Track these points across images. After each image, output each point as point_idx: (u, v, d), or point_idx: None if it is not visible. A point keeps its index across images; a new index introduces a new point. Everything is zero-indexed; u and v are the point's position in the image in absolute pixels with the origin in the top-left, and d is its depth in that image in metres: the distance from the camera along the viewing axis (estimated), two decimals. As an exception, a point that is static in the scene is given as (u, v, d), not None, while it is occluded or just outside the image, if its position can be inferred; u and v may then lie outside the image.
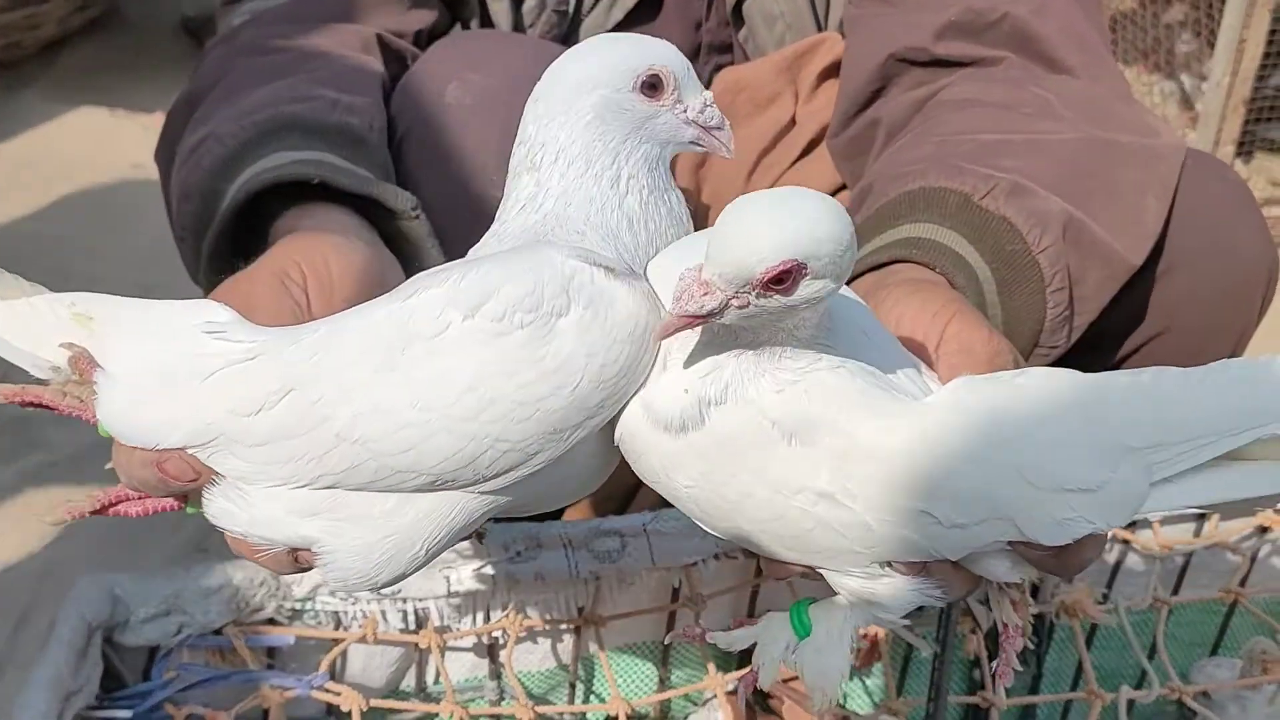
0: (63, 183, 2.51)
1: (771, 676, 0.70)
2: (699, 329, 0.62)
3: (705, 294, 0.58)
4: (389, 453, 0.62)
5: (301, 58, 1.07)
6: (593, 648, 1.09)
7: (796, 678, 1.18)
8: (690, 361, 0.63)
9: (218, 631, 1.02)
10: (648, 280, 0.66)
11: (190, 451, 0.64)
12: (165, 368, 0.64)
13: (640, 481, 1.22)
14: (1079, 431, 0.61)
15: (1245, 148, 2.61)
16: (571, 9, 1.24)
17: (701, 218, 1.12)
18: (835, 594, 0.69)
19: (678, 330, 0.60)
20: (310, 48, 1.08)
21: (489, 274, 0.62)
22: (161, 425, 0.64)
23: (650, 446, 0.64)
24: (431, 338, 0.62)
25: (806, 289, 0.59)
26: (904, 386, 0.66)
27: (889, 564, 0.65)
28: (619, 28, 1.23)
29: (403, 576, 0.67)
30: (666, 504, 1.21)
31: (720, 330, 0.61)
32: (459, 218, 1.00)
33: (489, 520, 0.72)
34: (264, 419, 0.62)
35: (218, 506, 0.65)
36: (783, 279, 0.57)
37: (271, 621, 1.04)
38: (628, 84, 0.67)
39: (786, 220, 0.57)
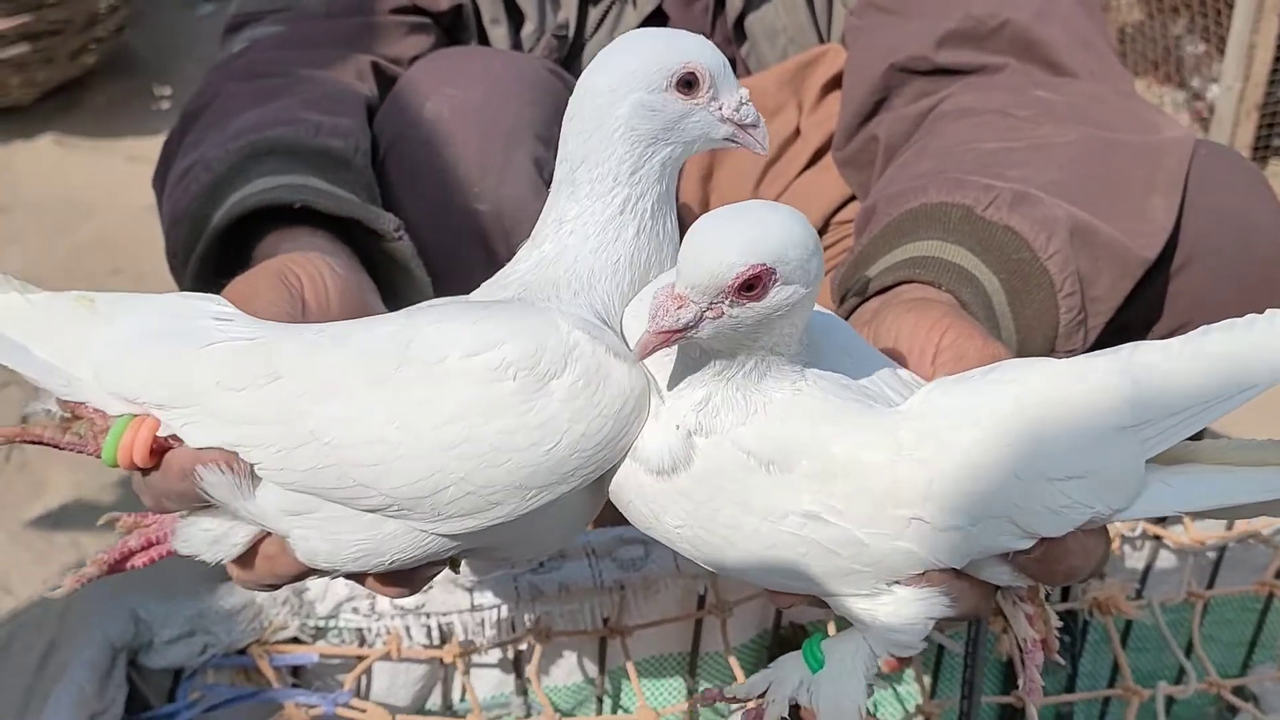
0: (79, 226, 2.54)
1: (779, 713, 0.69)
2: (680, 355, 0.63)
3: (680, 307, 0.59)
4: (354, 463, 0.62)
5: (289, 82, 1.08)
6: (619, 659, 1.08)
7: None
8: (677, 396, 0.63)
9: (242, 651, 1.02)
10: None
11: (162, 414, 0.64)
12: (164, 332, 0.65)
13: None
14: (1060, 418, 0.60)
15: (1259, 153, 2.60)
16: (571, 33, 1.25)
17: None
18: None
19: (656, 347, 0.60)
20: (299, 73, 1.10)
21: (498, 326, 0.63)
22: (147, 380, 0.64)
23: (634, 492, 0.65)
24: (426, 366, 0.62)
25: (778, 295, 0.59)
26: (889, 400, 0.65)
27: (894, 583, 0.64)
28: None
29: (368, 573, 0.67)
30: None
31: (701, 359, 0.62)
32: (441, 232, 1.01)
33: (464, 558, 0.72)
34: (245, 398, 0.62)
35: (214, 485, 0.64)
36: (753, 285, 0.58)
37: (295, 640, 1.03)
38: (661, 83, 0.66)
39: (751, 228, 0.58)
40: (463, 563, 1.02)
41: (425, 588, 0.86)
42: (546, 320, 0.63)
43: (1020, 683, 0.70)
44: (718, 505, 0.62)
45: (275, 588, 0.70)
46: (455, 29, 1.26)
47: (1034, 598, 0.69)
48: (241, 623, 1.01)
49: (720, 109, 0.68)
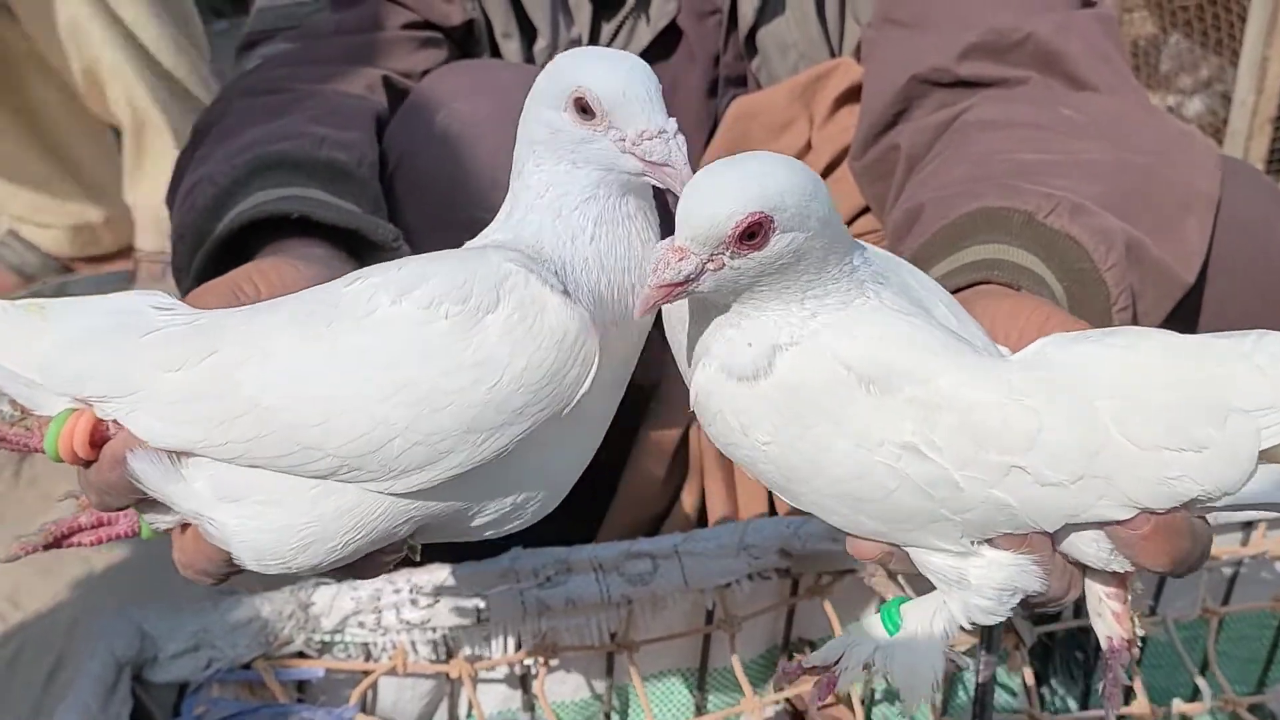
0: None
1: (852, 679, 0.67)
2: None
3: (680, 259, 0.58)
4: (297, 424, 0.60)
5: (297, 98, 1.08)
6: (626, 675, 1.07)
7: (836, 703, 1.16)
8: (747, 321, 0.62)
9: (247, 666, 1.01)
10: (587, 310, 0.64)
11: (106, 406, 0.63)
12: (106, 326, 0.64)
13: (669, 507, 1.22)
14: (1179, 389, 0.58)
15: (1274, 165, 2.59)
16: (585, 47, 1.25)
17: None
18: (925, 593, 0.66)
19: (658, 302, 0.60)
20: (308, 88, 1.10)
21: (424, 265, 0.62)
22: (85, 372, 0.63)
23: (725, 401, 0.62)
24: (358, 317, 0.61)
25: (778, 243, 0.58)
26: (985, 350, 0.63)
27: (984, 543, 0.62)
28: None
29: (319, 568, 0.65)
30: (698, 526, 1.21)
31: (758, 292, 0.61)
32: (451, 245, 1.01)
33: (420, 541, 0.70)
34: (183, 375, 0.62)
35: (143, 471, 0.63)
36: (754, 233, 0.58)
37: (301, 654, 1.03)
38: (560, 103, 0.65)
39: (748, 177, 0.58)
40: (470, 568, 1.02)
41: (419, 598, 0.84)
42: (474, 254, 0.62)
43: (1101, 687, 0.68)
44: (810, 422, 0.60)
45: (217, 579, 0.69)
46: (467, 43, 1.26)
47: (1122, 595, 0.66)
48: (247, 637, 1.01)
49: (622, 140, 0.64)
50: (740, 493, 1.19)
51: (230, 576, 0.69)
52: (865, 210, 1.26)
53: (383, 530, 0.64)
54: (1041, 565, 0.62)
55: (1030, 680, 1.09)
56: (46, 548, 0.69)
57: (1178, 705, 1.05)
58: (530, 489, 0.67)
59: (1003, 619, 0.64)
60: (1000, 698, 1.15)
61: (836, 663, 0.68)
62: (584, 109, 0.64)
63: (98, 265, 2.43)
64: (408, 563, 0.71)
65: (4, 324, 0.66)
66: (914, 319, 0.62)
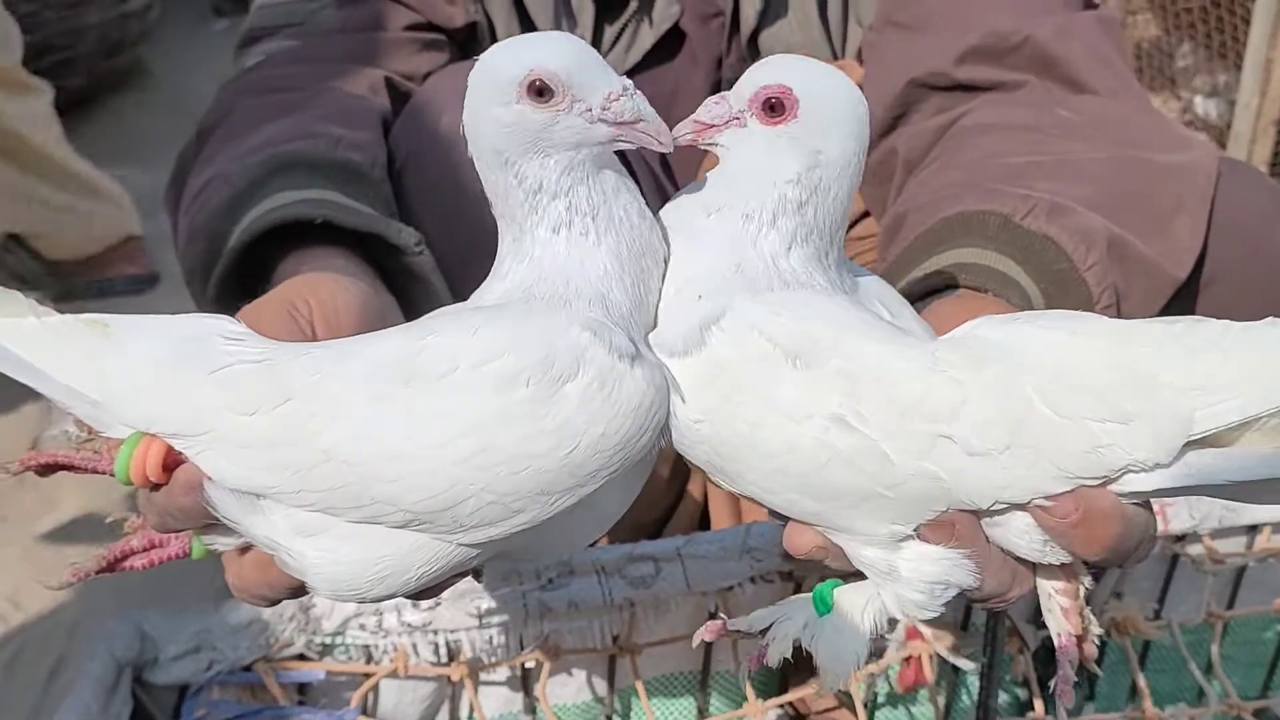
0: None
1: (781, 652, 0.67)
2: (714, 220, 0.66)
3: (717, 104, 0.66)
4: (372, 479, 0.61)
5: (305, 96, 1.07)
6: (629, 678, 1.07)
7: (837, 706, 1.15)
8: (692, 285, 0.65)
9: (247, 668, 1.01)
10: (654, 354, 0.65)
11: (176, 443, 0.63)
12: (174, 358, 0.63)
13: (672, 510, 1.22)
14: (1106, 364, 0.59)
15: (1277, 169, 2.58)
16: None
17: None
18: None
19: (686, 135, 0.66)
20: (314, 87, 1.09)
21: (505, 332, 0.62)
22: (158, 409, 0.63)
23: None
24: (437, 378, 0.61)
25: (794, 130, 0.64)
26: (918, 336, 0.64)
27: (913, 534, 0.62)
28: (638, 68, 1.23)
29: (394, 595, 0.66)
30: (701, 528, 1.21)
31: (723, 257, 0.65)
32: (458, 246, 1.00)
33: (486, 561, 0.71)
34: (258, 421, 0.61)
35: (220, 499, 0.63)
36: (776, 107, 0.64)
37: (301, 657, 1.02)
38: (510, 96, 0.63)
39: (806, 63, 0.65)
40: (484, 573, 1.02)
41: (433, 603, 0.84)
42: (554, 322, 0.62)
43: (1052, 684, 0.68)
44: (741, 399, 0.62)
45: (273, 602, 0.69)
46: (470, 45, 1.26)
47: (1070, 590, 0.66)
48: (248, 639, 1.00)
49: (589, 111, 0.63)
50: (743, 495, 1.19)
51: (286, 600, 0.69)
52: (866, 215, 1.25)
53: (454, 565, 0.65)
54: (973, 559, 0.62)
55: (1034, 683, 1.08)
56: (99, 572, 0.68)
57: (1183, 709, 1.04)
58: (590, 527, 0.68)
59: (936, 613, 0.64)
60: (1003, 700, 1.14)
61: (764, 632, 0.68)
62: (540, 91, 0.63)
63: (101, 268, 2.43)
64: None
65: (65, 341, 0.64)
66: (842, 299, 0.64)
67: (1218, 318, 1.01)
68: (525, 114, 0.63)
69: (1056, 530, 0.61)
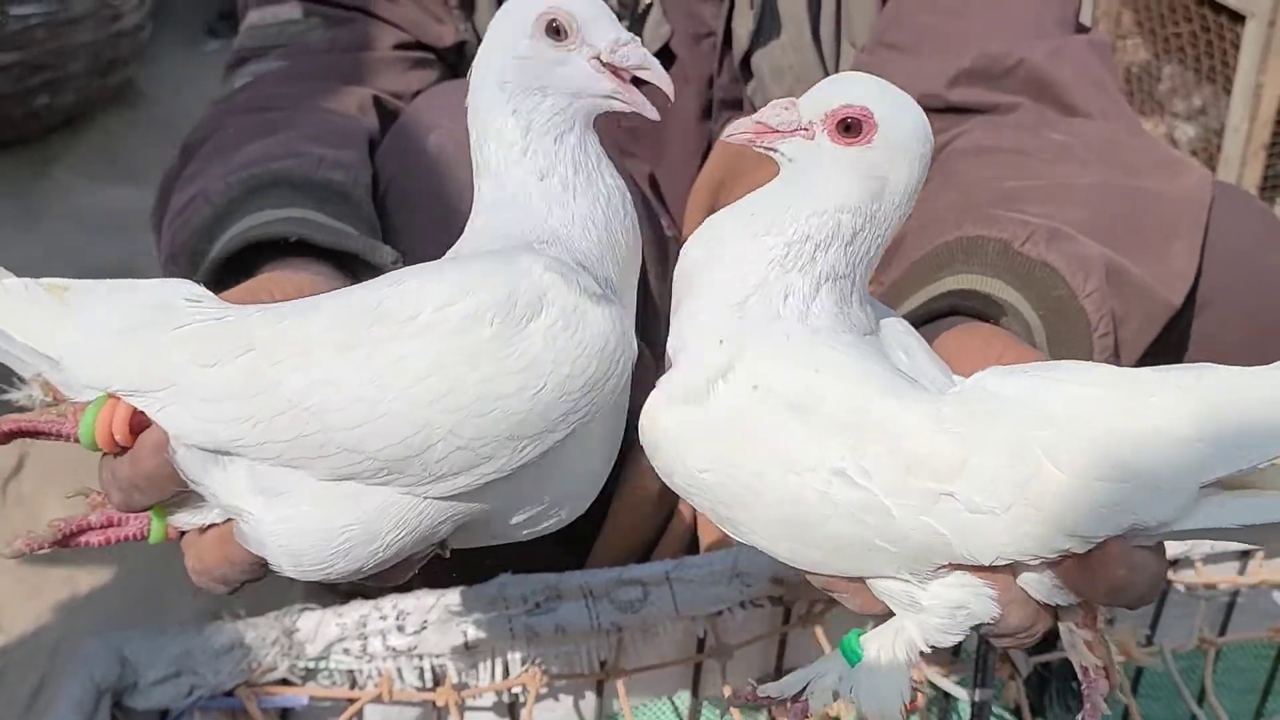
0: (95, 264, 2.53)
1: (823, 703, 0.67)
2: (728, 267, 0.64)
3: (786, 109, 0.63)
4: (337, 427, 0.60)
5: (291, 116, 1.07)
6: (616, 704, 1.06)
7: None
8: (714, 325, 0.63)
9: (229, 693, 0.99)
10: (618, 302, 0.65)
11: (138, 400, 0.62)
12: (135, 318, 0.63)
13: (660, 534, 1.21)
14: (1116, 418, 0.58)
15: (1267, 193, 2.59)
16: None
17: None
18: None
19: (748, 135, 0.64)
20: (301, 106, 1.09)
21: (467, 273, 0.62)
22: (117, 365, 0.62)
23: (665, 428, 0.64)
24: (400, 322, 0.60)
25: (878, 159, 0.62)
26: (926, 385, 0.63)
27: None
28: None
29: (360, 572, 0.64)
30: (690, 553, 1.19)
31: (752, 296, 0.63)
32: None
33: (455, 544, 0.70)
34: (219, 372, 0.61)
35: (184, 457, 0.62)
36: (852, 127, 0.62)
37: (285, 681, 1.01)
38: (528, 30, 0.66)
39: (886, 86, 0.63)
40: (458, 595, 1.00)
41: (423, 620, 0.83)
42: (517, 263, 0.62)
43: (1079, 717, 0.67)
44: (745, 450, 0.61)
45: (233, 584, 0.67)
46: (459, 64, 1.26)
47: (1090, 623, 0.66)
48: (230, 663, 0.99)
49: (596, 56, 0.66)
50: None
51: (246, 585, 0.68)
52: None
53: (425, 529, 0.64)
54: (995, 594, 0.62)
55: (1026, 711, 1.07)
56: (54, 545, 0.67)
57: (1175, 737, 1.03)
58: (566, 488, 0.67)
59: (960, 637, 0.63)
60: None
61: (797, 696, 0.67)
62: (556, 30, 0.65)
63: None
64: (437, 560, 0.71)
65: (25, 303, 0.64)
66: (850, 349, 0.63)
67: (1212, 340, 1.01)
68: (538, 48, 0.65)
69: (1062, 573, 0.61)
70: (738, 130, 0.64)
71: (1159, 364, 0.99)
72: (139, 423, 0.63)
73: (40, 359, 0.64)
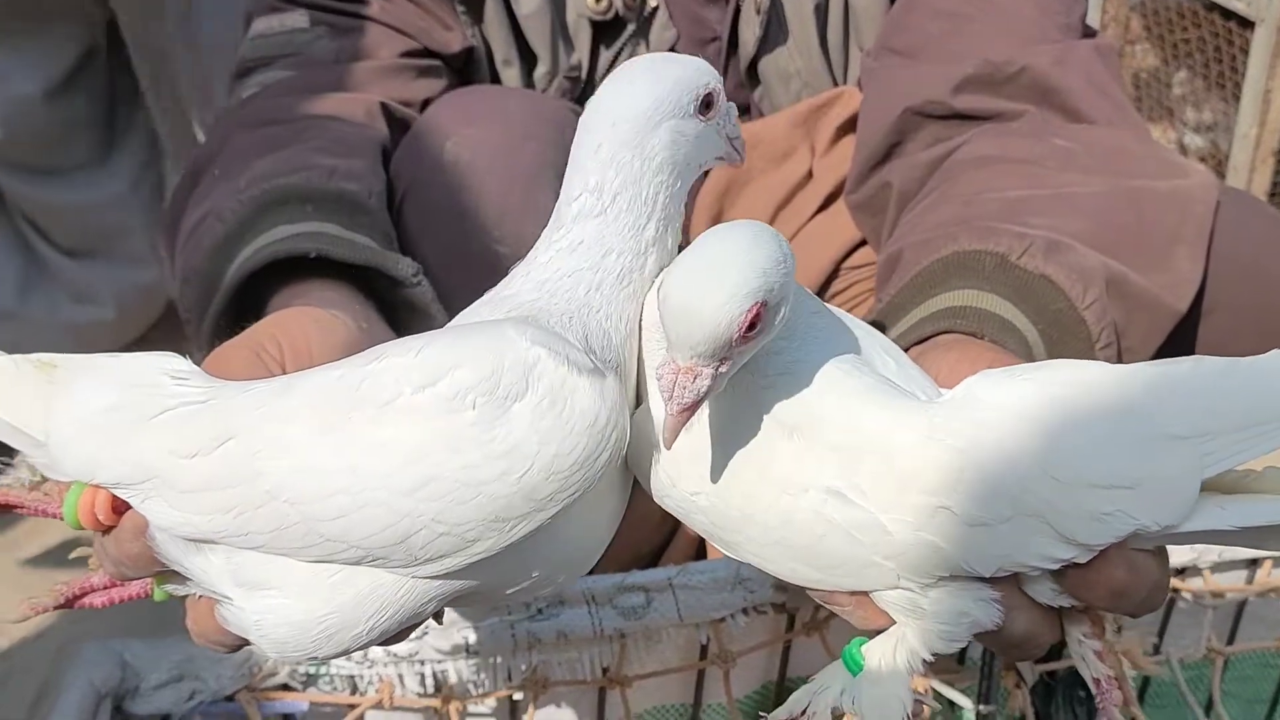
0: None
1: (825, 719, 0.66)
2: None
3: (695, 378, 0.57)
4: (318, 518, 0.58)
5: (300, 128, 1.06)
6: (619, 710, 1.05)
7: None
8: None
9: (230, 698, 0.99)
10: (618, 377, 0.63)
11: (120, 492, 0.61)
12: (117, 404, 0.62)
13: (665, 541, 1.20)
14: (1111, 421, 0.57)
15: (1276, 200, 2.58)
16: (584, 75, 1.24)
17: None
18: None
19: (683, 426, 0.58)
20: (309, 118, 1.08)
21: (448, 350, 0.60)
22: (99, 458, 0.61)
23: (653, 455, 0.63)
24: (379, 406, 0.59)
25: (776, 316, 0.58)
26: (917, 394, 0.63)
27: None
28: None
29: (347, 651, 0.63)
30: (694, 559, 1.19)
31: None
32: (461, 276, 0.99)
33: (446, 605, 0.68)
34: (199, 464, 0.59)
35: (165, 544, 0.62)
36: (755, 324, 0.57)
37: (286, 687, 1.01)
38: (690, 108, 0.65)
39: (732, 274, 0.56)
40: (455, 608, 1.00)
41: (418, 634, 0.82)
42: (500, 338, 0.60)
43: None
44: (736, 471, 0.60)
45: (231, 648, 0.67)
46: (467, 71, 1.25)
47: (1099, 633, 0.65)
48: (231, 668, 0.99)
49: (724, 127, 0.68)
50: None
51: (244, 646, 0.67)
52: (863, 243, 1.24)
53: (412, 609, 0.62)
54: (998, 601, 0.61)
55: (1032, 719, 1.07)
56: (58, 608, 0.67)
57: (1182, 748, 1.03)
58: (564, 557, 0.65)
59: (963, 643, 0.63)
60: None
61: (803, 713, 0.66)
62: (709, 105, 0.66)
63: None
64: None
65: (13, 380, 0.63)
66: (839, 364, 0.62)
67: (1218, 347, 1.00)
68: (694, 125, 0.66)
69: (1061, 580, 0.60)
70: (675, 430, 0.59)
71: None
72: (122, 503, 0.62)
73: (26, 440, 0.63)
